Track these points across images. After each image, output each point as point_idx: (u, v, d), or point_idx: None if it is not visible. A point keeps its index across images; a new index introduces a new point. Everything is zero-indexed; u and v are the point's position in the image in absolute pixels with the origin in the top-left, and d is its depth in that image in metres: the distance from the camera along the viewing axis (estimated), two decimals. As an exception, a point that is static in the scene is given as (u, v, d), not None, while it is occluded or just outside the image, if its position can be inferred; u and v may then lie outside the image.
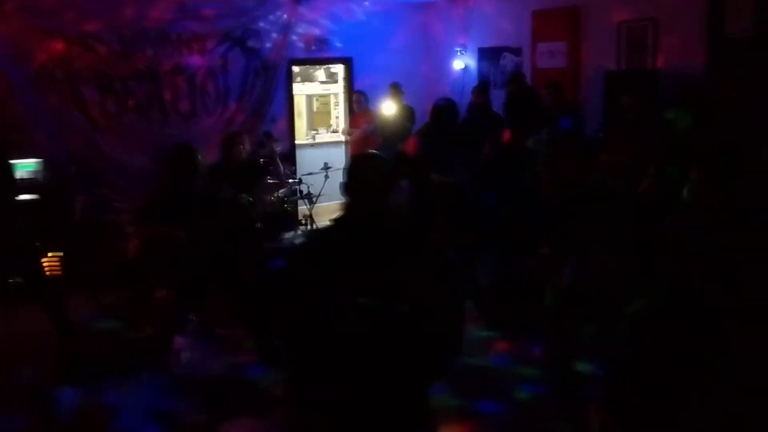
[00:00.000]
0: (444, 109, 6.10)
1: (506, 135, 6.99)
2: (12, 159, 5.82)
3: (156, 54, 7.76)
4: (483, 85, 7.55)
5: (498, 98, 7.66)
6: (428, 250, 2.56)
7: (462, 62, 9.12)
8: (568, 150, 4.04)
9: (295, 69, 9.41)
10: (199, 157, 4.99)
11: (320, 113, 11.36)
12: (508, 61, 8.62)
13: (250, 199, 6.08)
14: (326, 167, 7.41)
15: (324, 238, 2.68)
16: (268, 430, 2.35)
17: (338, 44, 9.06)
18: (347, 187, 2.51)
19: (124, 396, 2.48)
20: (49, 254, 6.68)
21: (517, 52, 8.42)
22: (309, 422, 2.46)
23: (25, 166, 6.81)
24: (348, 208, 2.53)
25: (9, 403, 2.67)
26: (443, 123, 6.06)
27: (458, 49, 9.14)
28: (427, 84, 9.36)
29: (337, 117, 10.69)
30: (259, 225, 6.18)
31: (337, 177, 7.42)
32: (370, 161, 2.58)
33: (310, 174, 7.60)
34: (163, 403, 2.56)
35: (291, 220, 7.23)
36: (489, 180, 6.29)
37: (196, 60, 8.01)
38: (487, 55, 8.93)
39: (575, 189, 3.85)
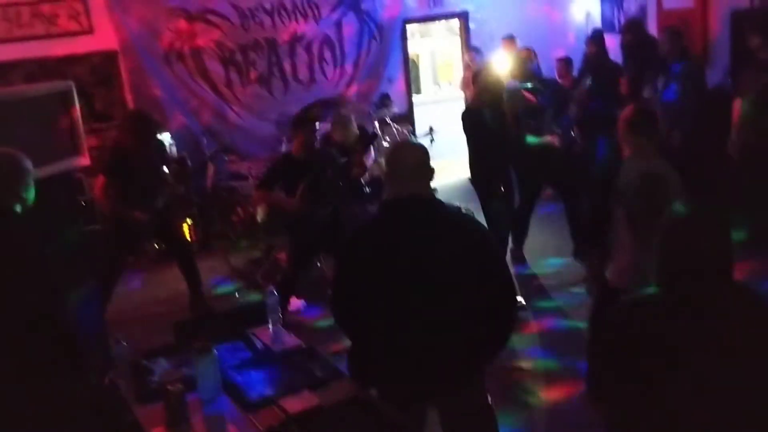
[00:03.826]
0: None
1: (623, 86, 6.65)
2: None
3: (274, 24, 8.08)
4: (596, 35, 7.17)
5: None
6: (468, 231, 2.61)
7: (583, 7, 8.68)
8: None
9: (415, 26, 9.40)
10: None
11: (444, 67, 11.36)
12: (632, 3, 8.10)
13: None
14: (431, 131, 7.42)
15: (371, 223, 2.80)
16: (325, 403, 2.53)
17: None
18: (385, 176, 2.60)
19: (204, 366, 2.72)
20: (186, 220, 7.31)
21: (641, -8, 7.89)
22: (365, 395, 2.62)
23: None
24: (389, 194, 2.62)
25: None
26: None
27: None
28: (547, 34, 9.00)
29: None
30: (367, 189, 6.36)
31: (443, 139, 7.54)
32: (406, 150, 2.65)
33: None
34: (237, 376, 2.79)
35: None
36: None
37: (312, 27, 8.24)
38: (610, -3, 8.44)
39: None
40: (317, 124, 5.34)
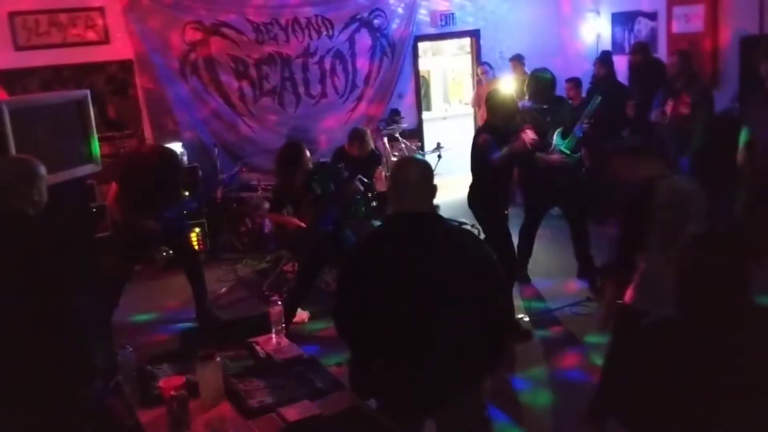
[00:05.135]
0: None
1: (630, 108, 6.70)
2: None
3: (287, 39, 8.18)
4: (604, 56, 7.23)
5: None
6: (468, 247, 2.65)
7: (594, 29, 8.75)
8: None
9: (427, 44, 9.50)
10: (305, 153, 5.25)
11: (454, 85, 11.43)
12: (642, 26, 8.18)
13: (365, 179, 6.35)
14: (439, 147, 7.48)
15: (373, 237, 2.85)
16: (324, 412, 2.57)
17: (465, 18, 9.02)
18: (389, 191, 2.64)
19: (207, 373, 2.77)
20: (194, 229, 7.37)
21: (652, 16, 7.96)
22: (364, 404, 2.66)
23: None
24: (392, 209, 2.67)
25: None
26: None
27: (590, 13, 8.78)
28: (558, 55, 9.07)
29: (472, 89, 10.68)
30: (374, 203, 6.43)
31: (451, 156, 7.58)
32: (410, 167, 2.69)
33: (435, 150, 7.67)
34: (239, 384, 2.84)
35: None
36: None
37: (324, 43, 8.35)
38: (620, 20, 8.51)
39: None
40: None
